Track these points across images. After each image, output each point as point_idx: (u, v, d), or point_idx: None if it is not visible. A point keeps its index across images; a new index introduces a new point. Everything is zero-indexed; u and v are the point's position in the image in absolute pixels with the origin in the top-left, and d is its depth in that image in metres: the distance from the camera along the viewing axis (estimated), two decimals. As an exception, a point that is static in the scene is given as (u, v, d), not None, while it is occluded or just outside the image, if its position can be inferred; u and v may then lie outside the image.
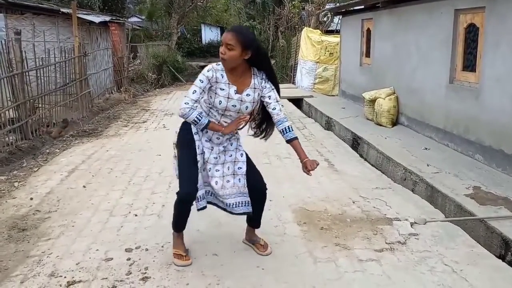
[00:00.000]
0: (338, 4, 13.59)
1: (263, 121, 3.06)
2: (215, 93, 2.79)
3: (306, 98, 11.05)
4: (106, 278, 2.87)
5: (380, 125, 7.43)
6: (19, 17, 10.11)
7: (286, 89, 12.72)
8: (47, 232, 3.59)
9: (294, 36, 15.30)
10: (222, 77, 2.78)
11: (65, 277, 2.88)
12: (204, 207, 2.96)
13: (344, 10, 10.51)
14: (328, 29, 15.25)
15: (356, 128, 7.26)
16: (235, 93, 2.80)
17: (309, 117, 9.51)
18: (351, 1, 9.67)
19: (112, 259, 3.11)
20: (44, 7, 10.67)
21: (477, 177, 4.71)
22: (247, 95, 2.83)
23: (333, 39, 11.98)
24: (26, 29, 9.77)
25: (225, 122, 2.91)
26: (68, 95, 8.82)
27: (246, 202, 3.00)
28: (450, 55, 5.84)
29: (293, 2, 17.50)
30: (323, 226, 3.64)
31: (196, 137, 2.89)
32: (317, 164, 2.77)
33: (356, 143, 6.90)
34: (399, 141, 6.37)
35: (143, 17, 29.89)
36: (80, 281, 2.83)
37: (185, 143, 2.89)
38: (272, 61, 19.95)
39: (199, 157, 2.87)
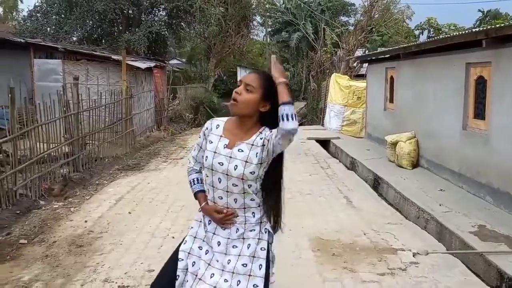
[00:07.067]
0: (367, 51, 14.35)
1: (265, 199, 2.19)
2: (205, 148, 2.21)
3: (333, 140, 11.59)
4: (149, 285, 3.47)
5: (401, 167, 7.87)
6: (75, 63, 11.36)
7: (315, 131, 13.43)
8: (100, 248, 4.28)
9: (325, 80, 16.07)
10: (217, 127, 2.21)
11: (116, 282, 3.54)
12: None
13: (370, 58, 11.21)
14: (358, 73, 15.98)
15: (377, 169, 7.73)
16: (224, 147, 2.14)
17: (335, 157, 10.03)
18: (376, 51, 10.36)
19: (153, 270, 3.72)
20: (97, 54, 11.93)
21: (484, 217, 5.09)
22: (239, 150, 2.11)
23: (360, 84, 12.62)
24: (80, 73, 10.97)
25: (218, 201, 2.17)
26: (114, 132, 9.77)
27: None
28: (462, 104, 6.34)
29: (325, 48, 18.38)
30: (335, 252, 4.15)
31: (185, 245, 2.29)
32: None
33: (377, 183, 7.36)
34: (416, 183, 6.79)
35: (183, 60, 31.63)
36: (128, 286, 3.47)
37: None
38: (303, 103, 20.86)
39: (181, 273, 2.21)
